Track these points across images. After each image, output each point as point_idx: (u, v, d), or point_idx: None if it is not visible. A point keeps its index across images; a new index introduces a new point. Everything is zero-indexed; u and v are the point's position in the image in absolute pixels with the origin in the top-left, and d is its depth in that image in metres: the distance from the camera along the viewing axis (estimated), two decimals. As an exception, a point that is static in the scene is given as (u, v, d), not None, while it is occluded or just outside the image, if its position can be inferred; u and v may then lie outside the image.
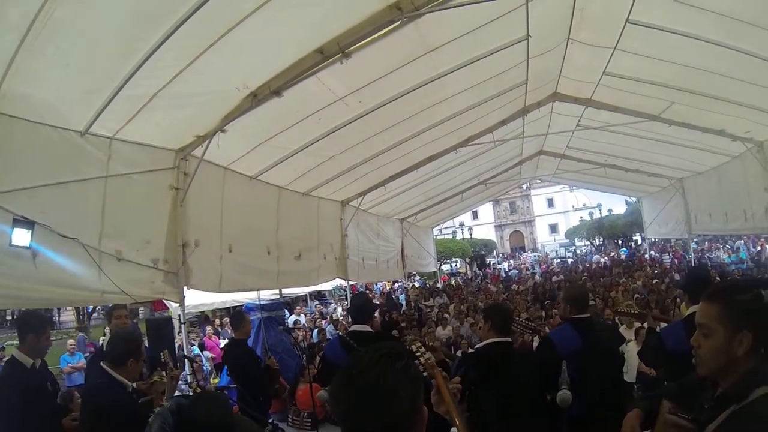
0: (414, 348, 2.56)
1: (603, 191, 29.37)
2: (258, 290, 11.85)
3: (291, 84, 7.12)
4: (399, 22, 6.63)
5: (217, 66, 6.32)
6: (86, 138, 6.39)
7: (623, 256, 32.96)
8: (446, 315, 16.41)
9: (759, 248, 22.80)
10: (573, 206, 69.55)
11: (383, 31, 6.78)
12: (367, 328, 5.46)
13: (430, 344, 5.87)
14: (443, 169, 15.53)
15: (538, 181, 43.71)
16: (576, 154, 18.99)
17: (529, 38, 9.01)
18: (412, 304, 20.63)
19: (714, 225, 18.30)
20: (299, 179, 11.18)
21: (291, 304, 20.87)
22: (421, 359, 2.32)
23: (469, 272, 44.48)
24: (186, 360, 7.74)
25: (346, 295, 19.05)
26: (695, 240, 25.71)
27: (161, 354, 5.50)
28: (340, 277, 15.02)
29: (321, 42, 6.65)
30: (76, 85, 5.73)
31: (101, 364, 4.37)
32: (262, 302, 12.12)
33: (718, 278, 14.55)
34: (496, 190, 27.41)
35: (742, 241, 24.69)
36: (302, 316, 19.82)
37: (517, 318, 7.54)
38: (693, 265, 20.45)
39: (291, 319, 18.18)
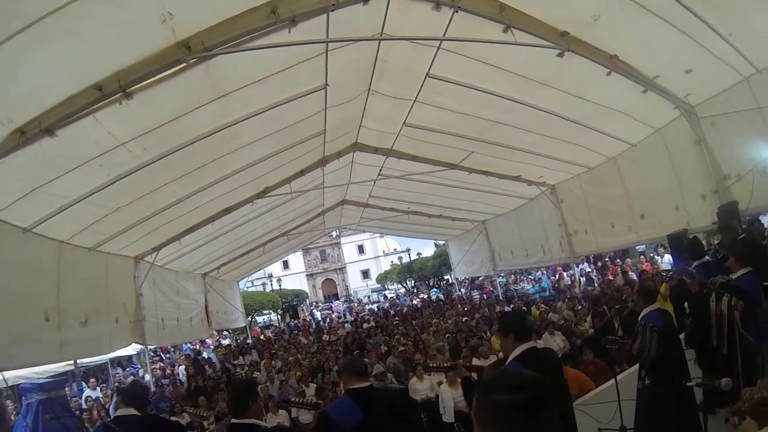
0: None
1: (410, 237, 30.67)
2: (36, 365, 10.12)
3: (65, 122, 6.29)
4: (187, 63, 6.26)
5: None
6: None
7: (434, 297, 34.28)
8: (257, 373, 15.61)
9: (557, 276, 25.27)
10: (383, 251, 72.48)
11: (170, 71, 6.37)
12: (133, 411, 5.01)
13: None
14: (241, 222, 15.10)
15: (353, 230, 44.65)
16: (379, 203, 19.88)
17: (327, 87, 9.19)
18: (217, 366, 19.44)
19: (516, 260, 20.37)
20: (84, 232, 9.89)
21: (87, 375, 18.52)
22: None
23: (282, 324, 43.72)
24: None
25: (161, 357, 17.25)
26: (501, 275, 27.89)
27: None
28: (136, 342, 13.67)
29: (99, 77, 5.96)
30: None
31: None
32: (40, 381, 10.16)
33: (524, 308, 16.44)
34: (301, 240, 27.44)
35: (543, 272, 27.11)
36: (98, 390, 17.53)
37: (294, 399, 7.26)
38: (501, 298, 22.64)
39: (85, 395, 16.06)
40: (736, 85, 9.60)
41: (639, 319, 5.40)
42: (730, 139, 10.15)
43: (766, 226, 8.95)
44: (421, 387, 10.78)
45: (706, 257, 7.15)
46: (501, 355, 4.92)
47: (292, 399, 7.00)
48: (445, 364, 6.08)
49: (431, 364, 6.97)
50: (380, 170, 15.28)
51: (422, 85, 9.94)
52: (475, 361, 10.24)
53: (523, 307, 17.21)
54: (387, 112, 11.55)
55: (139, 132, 7.66)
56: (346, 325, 27.51)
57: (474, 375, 5.21)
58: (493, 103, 10.36)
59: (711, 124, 10.29)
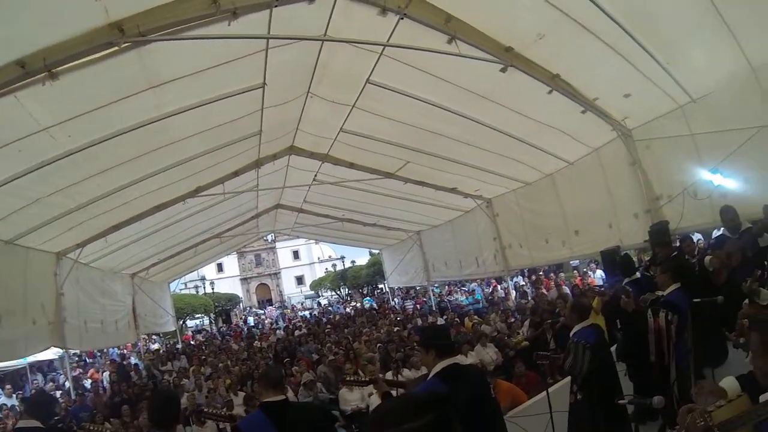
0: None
1: (345, 245, 30.47)
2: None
3: (-19, 98, 5.71)
4: (119, 47, 5.87)
5: None
6: None
7: (367, 306, 34.11)
8: (185, 380, 14.93)
9: (491, 289, 25.48)
10: (318, 258, 71.85)
11: (100, 54, 5.95)
12: (36, 423, 4.79)
13: None
14: (173, 221, 14.49)
15: (287, 235, 44.04)
16: (314, 209, 19.62)
17: (265, 86, 8.92)
18: (143, 372, 18.57)
19: (450, 272, 20.53)
20: (-1, 223, 9.14)
21: (3, 381, 17.36)
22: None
23: (214, 328, 42.67)
24: None
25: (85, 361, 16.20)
26: (435, 285, 28.05)
27: None
28: (55, 345, 12.70)
29: (22, 53, 5.45)
30: None
31: None
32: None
33: (457, 320, 16.75)
34: (234, 243, 26.72)
35: (476, 284, 27.35)
36: (14, 397, 16.37)
37: (207, 410, 6.86)
38: (434, 309, 22.90)
39: (0, 402, 15.03)
40: (671, 112, 10.01)
41: (571, 335, 5.38)
42: (663, 163, 10.59)
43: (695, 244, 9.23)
44: (351, 397, 10.61)
45: (637, 274, 7.23)
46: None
47: (206, 410, 6.62)
48: (365, 378, 5.88)
49: (348, 378, 6.65)
50: (315, 175, 15.02)
51: (362, 90, 9.79)
52: (407, 373, 10.13)
53: (456, 319, 17.44)
54: (325, 117, 11.34)
55: (64, 117, 7.10)
56: (278, 331, 27.06)
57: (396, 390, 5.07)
58: (433, 114, 10.34)
59: (646, 147, 10.68)
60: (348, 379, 6.61)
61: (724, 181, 9.38)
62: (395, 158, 12.93)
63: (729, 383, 2.77)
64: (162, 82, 7.40)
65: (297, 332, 23.07)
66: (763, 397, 2.18)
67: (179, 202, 12.98)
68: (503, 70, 8.42)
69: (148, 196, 11.65)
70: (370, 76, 9.29)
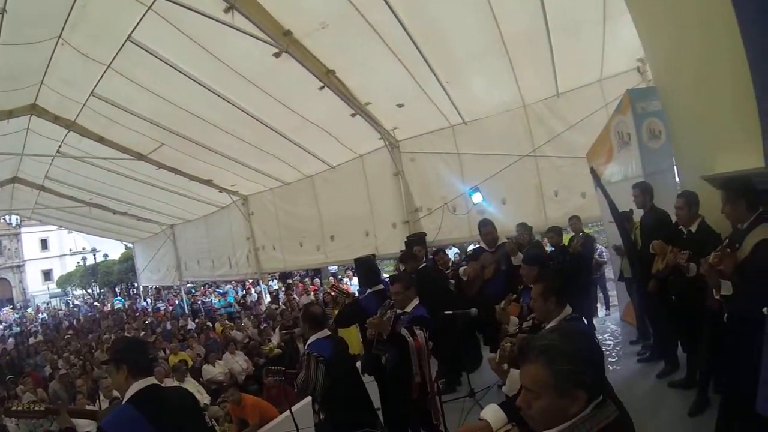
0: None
1: (96, 234, 27.40)
2: None
3: None
4: None
5: None
6: None
7: (117, 306, 31.59)
8: None
9: (244, 292, 24.70)
10: (71, 250, 62.34)
11: None
12: None
13: None
14: None
15: (28, 217, 38.07)
16: (58, 188, 16.83)
17: (5, 13, 7.12)
18: None
19: (202, 272, 19.57)
20: None
21: None
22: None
23: None
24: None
25: None
26: (191, 285, 26.87)
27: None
28: None
29: None
30: None
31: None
32: None
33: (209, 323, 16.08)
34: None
35: (231, 286, 26.51)
36: None
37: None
38: (186, 311, 21.62)
39: None
40: (442, 129, 10.67)
41: (305, 347, 4.76)
42: (427, 177, 11.20)
43: (450, 257, 9.58)
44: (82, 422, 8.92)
45: (380, 285, 6.91)
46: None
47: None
48: (39, 408, 4.18)
49: (14, 408, 4.46)
50: (60, 146, 12.75)
51: (121, 48, 8.25)
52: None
53: (208, 323, 16.76)
54: (76, 74, 9.38)
55: None
56: (10, 340, 23.39)
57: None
58: (195, 93, 9.26)
59: (411, 159, 11.02)
60: (14, 409, 4.54)
61: (483, 200, 10.32)
62: (150, 138, 11.47)
63: (493, 413, 2.36)
64: None
65: (32, 339, 20.37)
66: None
67: None
68: (277, 55, 7.87)
69: None
70: (132, 32, 7.84)
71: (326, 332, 4.82)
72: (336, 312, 8.01)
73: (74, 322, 25.81)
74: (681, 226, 5.29)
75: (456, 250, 14.48)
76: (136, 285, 40.04)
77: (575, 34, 8.01)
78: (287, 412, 6.47)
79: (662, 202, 6.13)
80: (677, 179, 6.57)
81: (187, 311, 22.11)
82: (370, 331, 4.81)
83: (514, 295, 5.12)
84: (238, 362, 11.42)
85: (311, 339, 4.72)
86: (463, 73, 9.03)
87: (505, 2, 7.22)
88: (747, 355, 3.67)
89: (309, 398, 6.63)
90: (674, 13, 4.88)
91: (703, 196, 5.02)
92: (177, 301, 26.23)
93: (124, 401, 3.10)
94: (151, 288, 30.66)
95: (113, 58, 8.57)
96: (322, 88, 8.82)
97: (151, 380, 3.18)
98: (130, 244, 31.10)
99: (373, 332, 4.75)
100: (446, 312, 5.63)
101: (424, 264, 7.85)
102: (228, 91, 9.29)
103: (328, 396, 4.54)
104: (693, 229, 5.11)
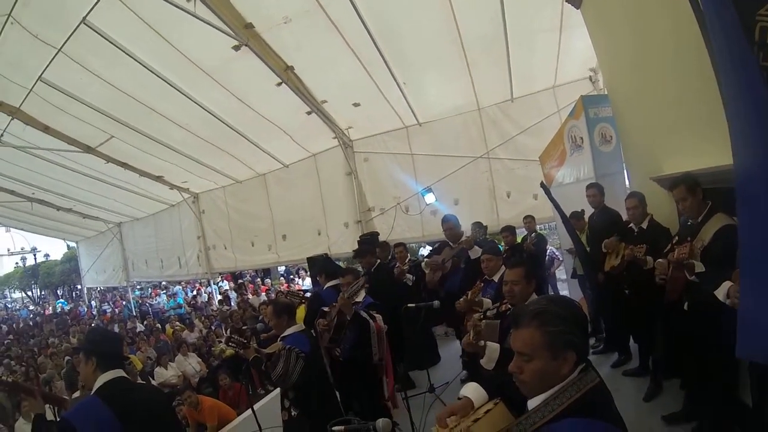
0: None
1: (37, 233, 26.34)
2: None
3: None
4: None
5: None
6: None
7: (60, 309, 30.52)
8: None
9: (195, 293, 24.22)
10: (9, 249, 60.74)
11: None
12: None
13: None
14: None
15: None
16: (-4, 180, 16.00)
17: None
18: None
19: (151, 272, 19.04)
20: None
21: None
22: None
23: None
24: None
25: None
26: (139, 286, 26.30)
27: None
28: None
29: None
30: None
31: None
32: None
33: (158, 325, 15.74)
34: None
35: (180, 287, 26.00)
36: None
37: None
38: (134, 313, 21.18)
39: None
40: (396, 130, 10.65)
41: (280, 340, 4.64)
42: (380, 177, 11.28)
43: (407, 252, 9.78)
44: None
45: (337, 279, 6.86)
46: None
47: None
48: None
49: None
50: (2, 135, 12.15)
51: (74, 31, 7.85)
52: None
53: (158, 324, 16.46)
54: (23, 56, 8.84)
55: None
56: None
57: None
58: (149, 83, 8.97)
59: (365, 159, 11.02)
60: None
61: (435, 201, 10.53)
62: (98, 129, 10.98)
63: (474, 390, 2.38)
64: None
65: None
66: (531, 403, 1.95)
67: None
68: (236, 48, 7.75)
69: None
70: (87, 15, 7.49)
71: (302, 326, 4.78)
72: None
73: (14, 326, 24.79)
74: (632, 224, 5.61)
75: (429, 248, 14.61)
76: (79, 287, 38.83)
77: (532, 42, 8.24)
78: (247, 412, 6.34)
79: (612, 203, 6.47)
80: (627, 181, 6.89)
81: (135, 313, 21.53)
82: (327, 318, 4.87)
83: (482, 284, 5.26)
84: (191, 364, 11.21)
85: (287, 332, 4.62)
86: (421, 75, 9.10)
87: (466, 7, 7.32)
88: (712, 338, 3.84)
89: (268, 397, 6.59)
90: (627, 27, 5.19)
91: (650, 196, 5.34)
92: (124, 303, 25.61)
93: (92, 393, 3.03)
94: (96, 289, 29.70)
95: (65, 42, 8.16)
96: (279, 84, 8.73)
97: (120, 372, 3.12)
98: (73, 244, 30.12)
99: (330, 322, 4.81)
100: (410, 305, 5.69)
101: (378, 261, 7.89)
102: (184, 83, 9.05)
103: (303, 391, 4.47)
104: (644, 225, 5.44)
